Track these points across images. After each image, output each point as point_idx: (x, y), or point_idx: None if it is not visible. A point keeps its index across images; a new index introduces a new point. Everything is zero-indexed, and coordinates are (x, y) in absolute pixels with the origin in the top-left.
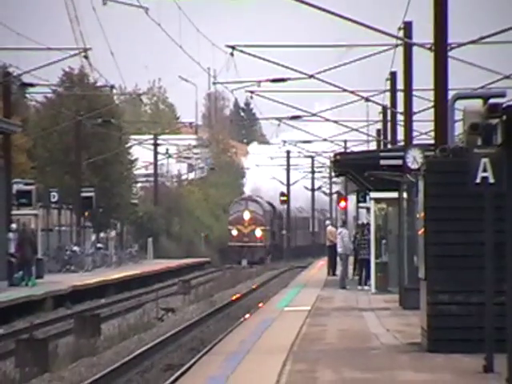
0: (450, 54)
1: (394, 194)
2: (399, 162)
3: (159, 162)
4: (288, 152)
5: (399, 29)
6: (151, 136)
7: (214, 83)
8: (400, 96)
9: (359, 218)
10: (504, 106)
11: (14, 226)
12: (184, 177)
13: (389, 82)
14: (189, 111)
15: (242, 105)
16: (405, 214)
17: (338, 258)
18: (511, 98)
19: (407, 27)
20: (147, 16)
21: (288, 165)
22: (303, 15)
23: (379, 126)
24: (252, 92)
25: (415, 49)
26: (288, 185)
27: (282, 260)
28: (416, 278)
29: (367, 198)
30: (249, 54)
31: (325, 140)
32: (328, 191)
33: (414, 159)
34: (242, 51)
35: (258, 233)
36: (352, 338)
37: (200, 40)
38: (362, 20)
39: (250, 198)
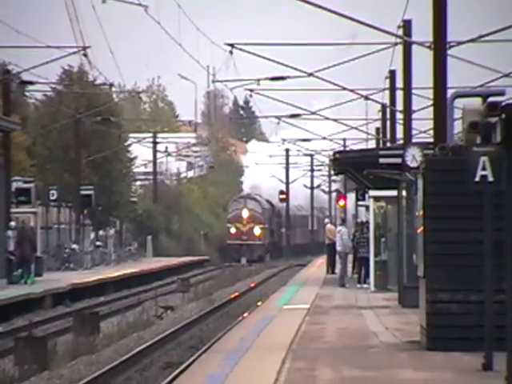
0: (449, 52)
1: (393, 193)
2: (398, 160)
3: (158, 160)
4: (287, 150)
5: (398, 27)
6: (150, 134)
7: (214, 81)
8: (399, 94)
9: (358, 216)
10: (503, 104)
11: (13, 223)
12: (183, 175)
13: (388, 81)
14: (188, 109)
15: (241, 103)
16: (404, 212)
17: (337, 256)
18: (510, 97)
19: (406, 25)
20: (147, 14)
21: (287, 163)
22: (303, 13)
23: (378, 124)
24: (251, 90)
25: (414, 47)
26: (287, 183)
27: (281, 258)
28: (415, 277)
29: (366, 196)
30: (248, 52)
31: (324, 138)
32: (327, 189)
33: (413, 157)
34: (241, 49)
35: (257, 231)
36: (351, 336)
37: (199, 38)
38: (361, 18)
39: (248, 196)
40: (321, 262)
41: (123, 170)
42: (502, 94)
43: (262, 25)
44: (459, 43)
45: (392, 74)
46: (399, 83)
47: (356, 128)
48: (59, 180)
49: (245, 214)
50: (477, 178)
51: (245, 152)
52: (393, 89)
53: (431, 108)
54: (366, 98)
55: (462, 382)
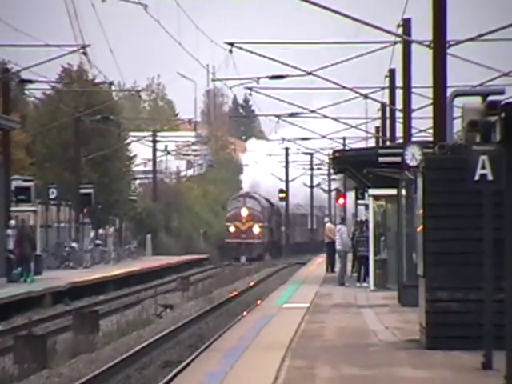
0: (448, 51)
1: (393, 191)
2: (398, 159)
3: (158, 159)
4: (287, 149)
5: (398, 26)
6: (150, 133)
7: (213, 80)
8: (399, 93)
9: (358, 214)
10: (503, 103)
11: (12, 222)
12: (183, 173)
13: (388, 79)
14: (188, 108)
15: (240, 101)
16: (403, 210)
17: (337, 255)
18: (510, 96)
19: (406, 24)
20: (146, 13)
21: (287, 162)
22: (303, 12)
23: (378, 123)
24: (251, 89)
25: (414, 46)
26: (287, 181)
27: (281, 257)
28: (415, 275)
29: (366, 194)
30: (247, 51)
31: (324, 137)
32: (327, 188)
33: (413, 156)
34: (240, 48)
35: (256, 229)
36: (351, 335)
37: (199, 37)
38: (361, 17)
39: (247, 194)
40: (320, 260)
41: (123, 169)
42: (501, 92)
43: (261, 23)
44: (459, 42)
45: (392, 72)
46: (399, 82)
47: (356, 127)
48: (59, 178)
49: (244, 212)
50: (476, 177)
51: (244, 150)
52: (392, 87)
53: (431, 107)
54: (366, 96)
55: (461, 380)
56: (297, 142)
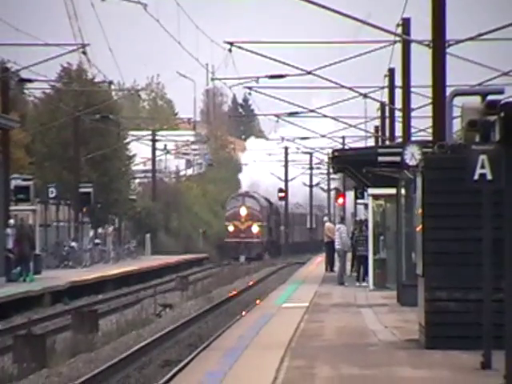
0: (448, 50)
1: (392, 191)
2: (397, 158)
3: (157, 158)
4: (286, 148)
5: (397, 26)
6: (149, 132)
7: (213, 79)
8: (398, 93)
9: (357, 214)
10: (502, 102)
11: (11, 221)
12: (182, 173)
13: (387, 79)
14: (187, 107)
15: (240, 101)
16: (403, 210)
17: (336, 255)
18: (509, 95)
19: (405, 24)
20: (146, 12)
21: (286, 161)
22: (302, 12)
23: (377, 122)
24: (250, 88)
25: (413, 45)
26: (286, 181)
27: (280, 256)
28: (414, 275)
29: (365, 194)
30: (247, 51)
31: (323, 136)
32: (326, 187)
33: (412, 156)
34: (240, 47)
35: (255, 229)
36: (350, 335)
37: (199, 36)
38: (360, 17)
39: (246, 193)
40: (320, 260)
41: (122, 168)
42: (500, 92)
43: (261, 23)
44: (458, 42)
45: (391, 72)
46: (398, 81)
47: (355, 126)
48: (58, 178)
49: (243, 211)
50: (476, 176)
51: (243, 150)
52: (392, 87)
53: (430, 106)
54: (365, 96)
55: (460, 380)
56: (296, 141)
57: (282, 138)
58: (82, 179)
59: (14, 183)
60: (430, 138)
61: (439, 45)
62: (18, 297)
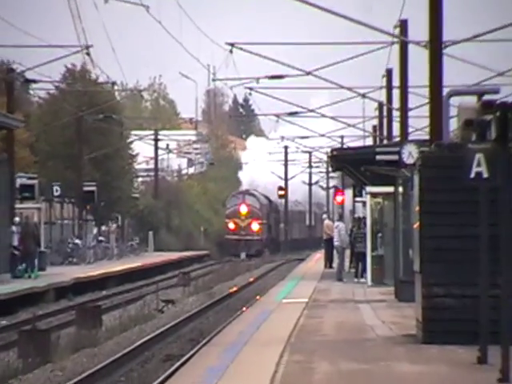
0: (444, 51)
1: (390, 189)
2: (395, 157)
3: (160, 157)
4: (286, 147)
5: (395, 27)
6: (152, 131)
7: (214, 80)
8: (396, 93)
9: (356, 211)
10: (498, 102)
11: (17, 219)
12: (184, 171)
13: (385, 79)
14: (189, 107)
15: (240, 101)
16: (400, 207)
17: (335, 251)
18: (505, 95)
19: (403, 25)
20: (148, 14)
21: (286, 160)
22: (302, 13)
23: (375, 121)
24: (251, 88)
25: (411, 46)
26: (286, 179)
27: (279, 253)
28: (411, 271)
29: (363, 192)
30: (248, 52)
31: (322, 136)
32: (325, 185)
33: (410, 154)
34: (241, 48)
35: (255, 226)
36: (348, 330)
37: (200, 37)
38: (359, 18)
39: (246, 191)
40: (319, 256)
41: (125, 167)
42: (496, 92)
43: (261, 24)
44: (454, 43)
45: (389, 72)
46: (396, 81)
47: (353, 126)
48: (62, 176)
49: (243, 209)
50: (472, 175)
51: (244, 149)
52: (389, 87)
53: (427, 106)
54: (364, 96)
55: (457, 374)
56: (296, 140)
57: (282, 138)
58: (85, 178)
59: (19, 182)
60: (427, 137)
61: (436, 46)
62: (23, 293)
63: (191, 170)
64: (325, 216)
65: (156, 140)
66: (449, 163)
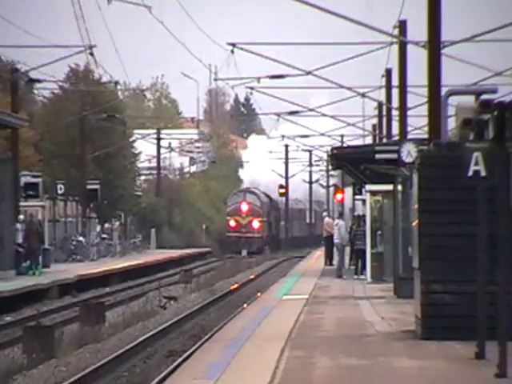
0: (443, 51)
1: (389, 187)
2: (394, 155)
3: (162, 156)
4: (286, 146)
5: (394, 27)
6: (154, 130)
7: (215, 79)
8: (395, 92)
9: (355, 209)
10: (495, 101)
11: (21, 217)
12: (186, 170)
13: (384, 79)
14: (191, 106)
15: (242, 100)
16: (399, 205)
17: (335, 249)
18: (502, 95)
19: (402, 26)
20: (150, 14)
21: (286, 158)
22: (303, 14)
23: (375, 121)
24: (252, 88)
25: (410, 46)
26: (286, 177)
27: (280, 250)
28: (410, 268)
29: (363, 190)
30: (249, 52)
31: (322, 134)
32: (325, 184)
33: (409, 153)
34: (242, 49)
35: (256, 224)
36: (348, 326)
37: (201, 38)
38: (358, 18)
39: (247, 189)
40: (319, 254)
41: (128, 165)
42: (494, 91)
43: (262, 25)
44: (453, 43)
45: (388, 72)
46: (395, 81)
47: (353, 125)
48: (66, 175)
49: (244, 207)
50: (470, 173)
51: (245, 147)
52: (389, 87)
53: (426, 105)
54: (363, 95)
55: (455, 369)
56: (296, 139)
57: (283, 136)
58: (89, 176)
59: (23, 180)
60: (426, 136)
61: (435, 46)
62: (28, 290)
63: (193, 169)
64: (325, 214)
65: (158, 139)
66: (447, 162)
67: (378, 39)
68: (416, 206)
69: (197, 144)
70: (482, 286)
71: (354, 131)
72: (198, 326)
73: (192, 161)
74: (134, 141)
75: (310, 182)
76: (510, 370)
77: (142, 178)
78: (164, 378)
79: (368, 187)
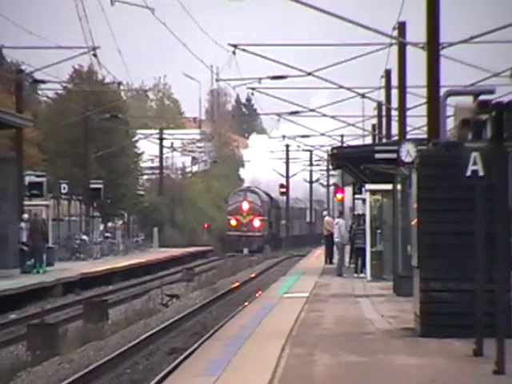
0: (441, 52)
1: (389, 186)
2: (393, 155)
3: (164, 155)
4: (287, 146)
5: (393, 29)
6: (157, 130)
7: (217, 80)
8: (394, 93)
9: (355, 208)
10: (493, 102)
11: (25, 216)
12: (188, 169)
13: (384, 79)
14: (193, 107)
15: (243, 101)
16: (399, 205)
17: (335, 247)
18: (500, 95)
19: (401, 27)
20: (153, 16)
21: (287, 158)
22: (303, 15)
23: (374, 121)
24: (253, 88)
25: (409, 47)
26: (287, 177)
27: (281, 249)
28: (409, 266)
29: (363, 189)
30: (250, 53)
31: (323, 134)
32: (325, 183)
33: (408, 153)
34: (243, 50)
35: (257, 223)
36: (348, 324)
37: (203, 39)
38: (358, 20)
39: (248, 188)
40: (319, 252)
41: (130, 165)
42: (492, 92)
43: (263, 26)
44: (451, 44)
45: (387, 73)
46: (394, 82)
47: (353, 125)
48: (69, 174)
49: (245, 206)
50: (468, 173)
51: (246, 147)
52: (388, 87)
53: (425, 106)
54: (363, 96)
55: (454, 367)
56: (297, 139)
57: (284, 136)
58: (92, 176)
59: (27, 179)
60: (425, 136)
61: (433, 47)
62: (32, 288)
63: (195, 168)
64: (325, 213)
65: (161, 139)
66: (446, 162)
67: (378, 41)
68: (415, 205)
69: (199, 144)
70: (481, 283)
71: (354, 131)
72: (199, 324)
73: (194, 160)
74: (136, 141)
75: (311, 182)
76: (508, 366)
77: (145, 177)
78: (166, 376)
79: (368, 186)
